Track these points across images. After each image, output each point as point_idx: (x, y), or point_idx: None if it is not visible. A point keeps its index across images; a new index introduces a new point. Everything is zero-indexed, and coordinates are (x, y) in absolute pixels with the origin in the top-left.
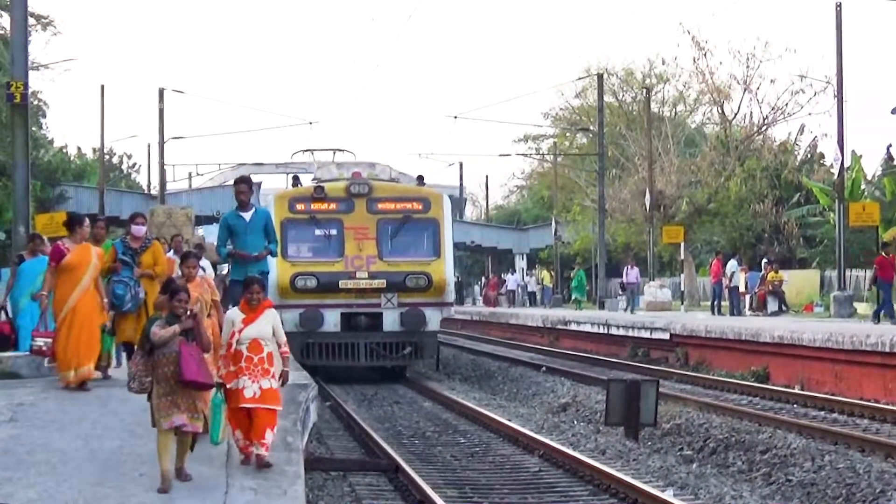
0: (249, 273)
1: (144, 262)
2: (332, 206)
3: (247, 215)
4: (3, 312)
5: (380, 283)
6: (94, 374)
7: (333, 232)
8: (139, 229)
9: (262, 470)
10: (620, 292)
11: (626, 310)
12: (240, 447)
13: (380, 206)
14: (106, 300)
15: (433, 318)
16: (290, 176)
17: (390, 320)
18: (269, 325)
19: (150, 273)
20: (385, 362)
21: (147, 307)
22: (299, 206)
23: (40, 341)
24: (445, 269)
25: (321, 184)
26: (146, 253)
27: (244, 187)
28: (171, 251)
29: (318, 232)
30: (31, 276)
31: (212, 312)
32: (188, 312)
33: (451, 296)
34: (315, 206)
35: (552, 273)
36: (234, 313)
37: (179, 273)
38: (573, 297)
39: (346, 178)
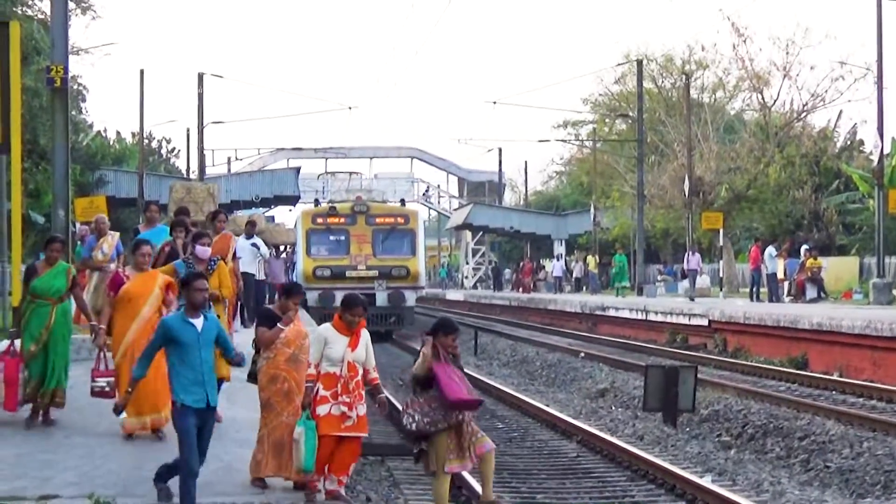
0: None
1: (212, 285)
2: (342, 220)
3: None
4: None
5: (374, 273)
6: (165, 421)
7: (342, 238)
8: (205, 251)
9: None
10: (659, 278)
11: (691, 298)
12: (306, 481)
13: (374, 220)
14: None
15: (410, 298)
16: (313, 200)
17: (381, 299)
18: (365, 348)
19: (216, 294)
20: (378, 328)
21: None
22: (319, 220)
23: (102, 381)
24: (419, 264)
25: (334, 204)
26: (212, 276)
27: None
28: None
29: (331, 238)
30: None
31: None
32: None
33: (423, 281)
34: (330, 220)
35: (597, 259)
36: (330, 332)
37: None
38: (614, 284)
39: (351, 200)
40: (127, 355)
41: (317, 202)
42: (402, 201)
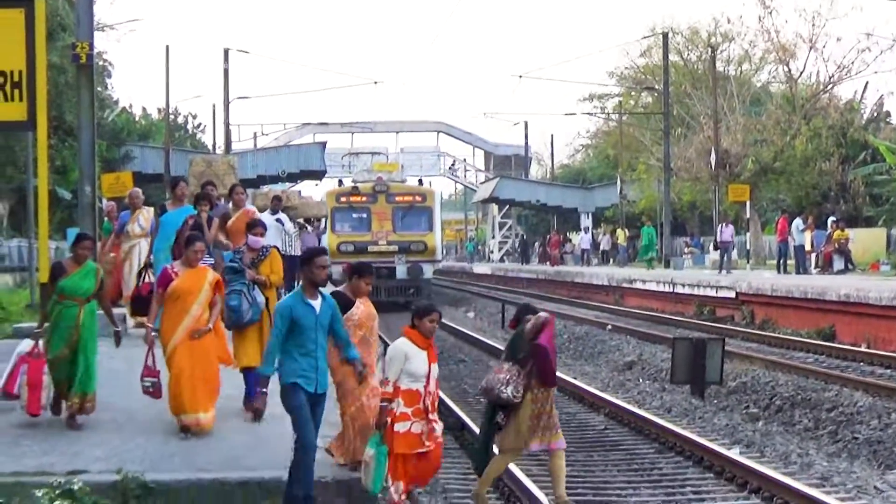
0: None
1: (261, 272)
2: (364, 199)
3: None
4: (148, 272)
5: (394, 248)
6: (211, 422)
7: (364, 215)
8: (257, 241)
9: None
10: (686, 250)
11: (721, 271)
12: (395, 501)
13: (395, 199)
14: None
15: (428, 270)
16: (337, 180)
17: (401, 271)
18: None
19: (265, 280)
20: (397, 298)
21: (269, 317)
22: (343, 199)
23: (147, 381)
24: (436, 239)
25: (357, 184)
26: (263, 264)
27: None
28: (230, 204)
29: (354, 215)
30: (173, 228)
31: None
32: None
33: (439, 255)
34: (353, 199)
35: (626, 231)
36: (408, 347)
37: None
38: (643, 256)
39: (372, 180)
40: (177, 352)
41: (340, 182)
42: (420, 181)
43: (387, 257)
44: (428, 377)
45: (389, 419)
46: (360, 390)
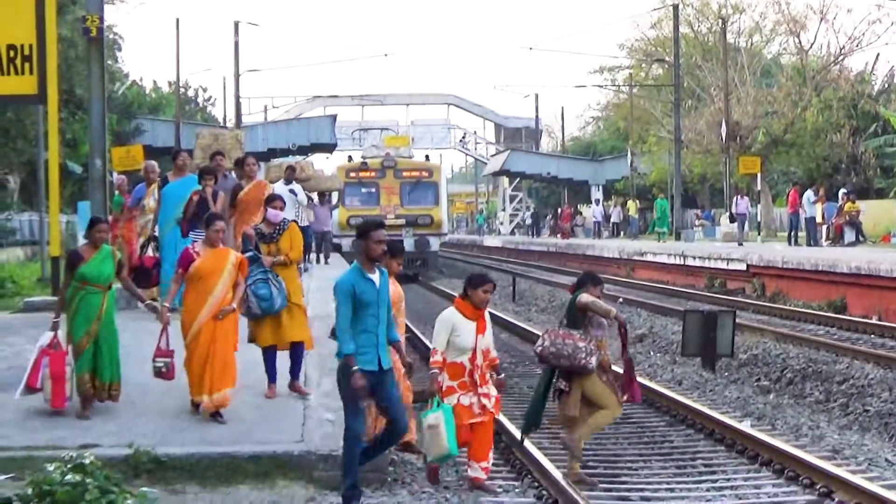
0: None
1: (282, 247)
2: (373, 174)
3: None
4: (151, 245)
5: (402, 221)
6: (228, 400)
7: (373, 190)
8: (276, 214)
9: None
10: (697, 223)
11: (739, 243)
12: (474, 478)
13: (402, 174)
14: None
15: (434, 243)
16: (348, 156)
17: (408, 244)
18: (489, 330)
19: (284, 259)
20: (406, 271)
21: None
22: (352, 174)
23: (160, 362)
24: (442, 213)
25: (366, 160)
26: (283, 238)
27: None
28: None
29: (363, 190)
30: (176, 199)
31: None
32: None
33: (445, 228)
34: (362, 175)
35: (637, 203)
36: (457, 317)
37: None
38: (655, 229)
39: (381, 156)
40: (198, 337)
41: (350, 158)
42: (427, 156)
43: (395, 230)
44: (475, 350)
45: (437, 388)
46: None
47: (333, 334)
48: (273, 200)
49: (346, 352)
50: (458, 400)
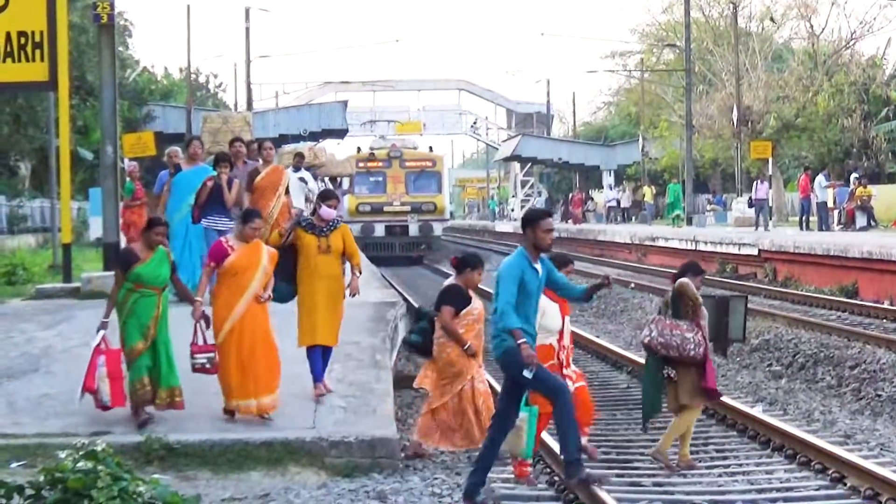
0: None
1: (333, 244)
2: (380, 164)
3: None
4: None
5: (407, 208)
6: (278, 403)
7: (380, 179)
8: (329, 213)
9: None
10: (708, 208)
11: (756, 228)
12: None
13: (407, 164)
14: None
15: (438, 228)
16: (356, 147)
17: (413, 229)
18: None
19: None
20: (410, 254)
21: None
22: (360, 164)
23: (202, 357)
24: (444, 200)
25: (373, 151)
26: (334, 234)
27: None
28: (261, 161)
29: (371, 179)
30: (187, 188)
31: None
32: None
33: (448, 214)
34: (370, 164)
35: (653, 189)
36: (544, 300)
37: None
38: (669, 214)
39: (387, 147)
40: (234, 332)
41: (359, 149)
42: (431, 148)
43: (401, 216)
44: (561, 331)
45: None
46: (469, 370)
47: (413, 347)
48: (329, 198)
49: (512, 325)
50: None
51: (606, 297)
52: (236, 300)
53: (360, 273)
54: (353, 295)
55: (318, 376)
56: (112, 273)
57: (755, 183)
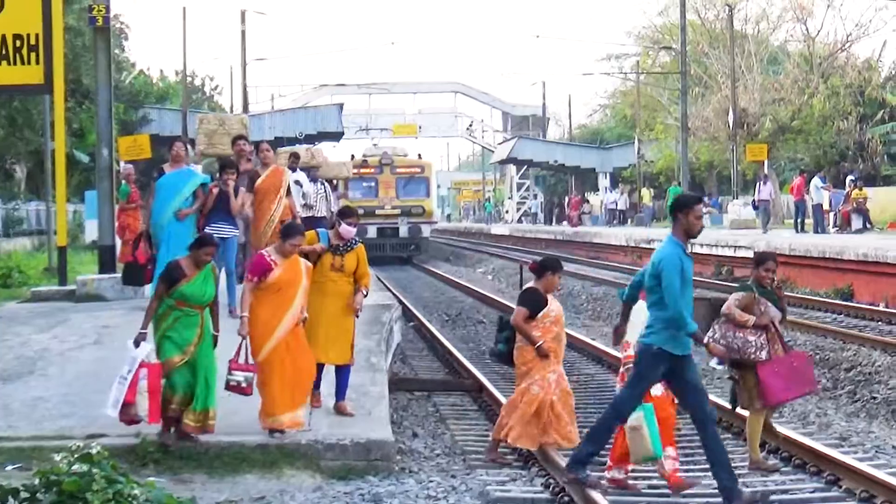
0: None
1: (347, 264)
2: (372, 170)
3: None
4: (142, 240)
5: (397, 211)
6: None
7: (373, 184)
8: (350, 231)
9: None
10: (704, 210)
11: (763, 231)
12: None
13: (397, 170)
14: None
15: (426, 230)
16: (350, 154)
17: (403, 231)
18: None
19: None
20: (400, 254)
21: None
22: (354, 171)
23: (240, 376)
24: (432, 204)
25: (366, 158)
26: (349, 255)
27: None
28: (259, 164)
29: (364, 184)
30: (172, 191)
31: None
32: None
33: (436, 217)
34: (363, 171)
35: (651, 192)
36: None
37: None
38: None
39: (379, 154)
40: (278, 352)
41: (352, 157)
42: (420, 155)
43: (391, 219)
44: None
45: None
46: (542, 370)
47: (498, 356)
48: (350, 216)
49: (692, 329)
50: (662, 390)
51: (602, 299)
52: (280, 316)
53: (367, 293)
54: (357, 313)
55: (315, 385)
56: (108, 276)
57: (758, 184)
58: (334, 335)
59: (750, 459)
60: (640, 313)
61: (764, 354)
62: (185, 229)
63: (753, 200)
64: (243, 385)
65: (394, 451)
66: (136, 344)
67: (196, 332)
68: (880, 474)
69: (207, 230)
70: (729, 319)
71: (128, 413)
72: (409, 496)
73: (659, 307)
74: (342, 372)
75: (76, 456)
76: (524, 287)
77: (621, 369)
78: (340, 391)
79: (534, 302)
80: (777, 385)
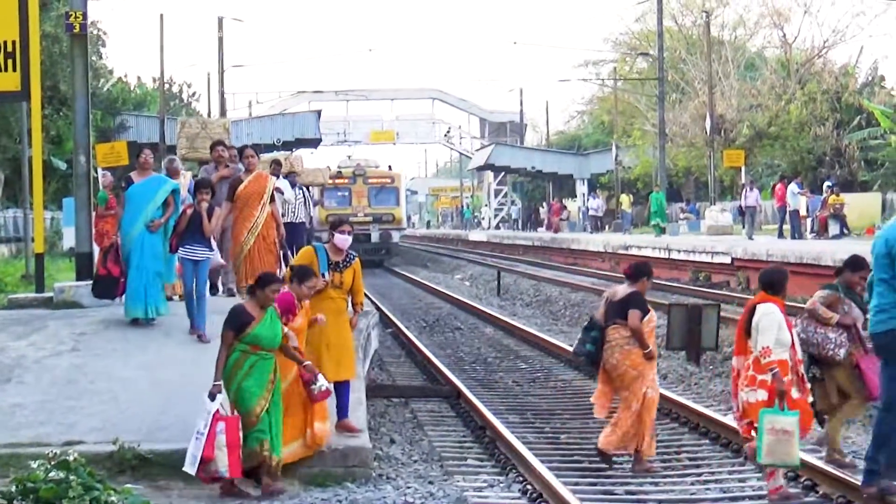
0: None
1: (346, 280)
2: (346, 180)
3: None
4: (111, 252)
5: (369, 218)
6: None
7: (346, 193)
8: (345, 240)
9: None
10: (681, 216)
11: (750, 237)
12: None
13: (369, 180)
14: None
15: (396, 236)
16: (327, 166)
17: (374, 237)
18: None
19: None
20: (372, 258)
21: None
22: (329, 181)
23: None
24: (402, 212)
25: (340, 169)
26: (347, 271)
27: None
28: (243, 169)
29: (338, 193)
30: (141, 200)
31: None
32: None
33: (405, 224)
34: (337, 181)
35: (630, 198)
36: (780, 315)
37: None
38: (652, 223)
39: (352, 166)
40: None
41: (329, 169)
42: (390, 167)
43: (364, 226)
44: (793, 343)
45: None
46: (649, 373)
47: (580, 353)
48: (341, 224)
49: None
50: (793, 396)
51: (580, 305)
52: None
53: (362, 311)
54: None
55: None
56: (85, 283)
57: (744, 190)
58: (337, 355)
59: (830, 445)
60: (767, 317)
61: (842, 353)
62: (156, 239)
63: (739, 206)
64: (324, 388)
65: (371, 458)
66: (212, 397)
67: (270, 378)
68: (857, 480)
69: (180, 252)
70: (812, 316)
71: (207, 470)
72: (386, 502)
73: (893, 287)
74: (344, 388)
75: (53, 463)
76: (629, 291)
77: (761, 377)
78: (344, 408)
79: (645, 305)
80: (874, 380)
